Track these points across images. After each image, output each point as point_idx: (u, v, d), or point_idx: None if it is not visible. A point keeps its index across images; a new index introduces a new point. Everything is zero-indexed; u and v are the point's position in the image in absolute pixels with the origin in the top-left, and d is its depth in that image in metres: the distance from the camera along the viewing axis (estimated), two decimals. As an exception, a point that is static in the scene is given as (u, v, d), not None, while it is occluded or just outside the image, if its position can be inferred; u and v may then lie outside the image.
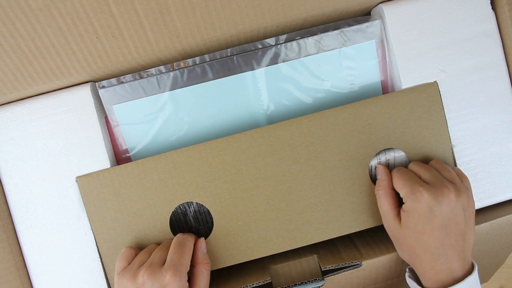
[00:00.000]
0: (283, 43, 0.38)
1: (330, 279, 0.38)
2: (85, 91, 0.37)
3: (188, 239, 0.35)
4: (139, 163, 0.36)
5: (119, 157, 0.39)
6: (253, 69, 0.38)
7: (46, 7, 0.30)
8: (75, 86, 0.37)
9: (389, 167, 0.38)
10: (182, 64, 0.38)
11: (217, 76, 0.38)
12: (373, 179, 0.38)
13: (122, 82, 0.38)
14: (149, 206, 0.36)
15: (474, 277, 0.32)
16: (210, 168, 0.36)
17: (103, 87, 0.38)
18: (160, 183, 0.36)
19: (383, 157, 0.38)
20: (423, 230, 0.32)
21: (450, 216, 0.32)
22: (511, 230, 0.40)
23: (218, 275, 0.40)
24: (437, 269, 0.32)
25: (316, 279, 0.37)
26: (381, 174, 0.36)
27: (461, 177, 0.35)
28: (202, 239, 0.36)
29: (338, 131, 0.36)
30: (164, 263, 0.32)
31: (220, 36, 0.35)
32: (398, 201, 0.35)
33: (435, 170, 0.34)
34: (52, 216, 0.37)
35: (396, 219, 0.34)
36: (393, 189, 0.35)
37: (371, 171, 0.38)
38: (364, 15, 0.40)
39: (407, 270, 0.36)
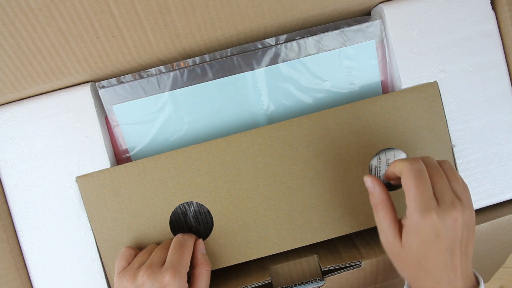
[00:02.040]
0: (283, 43, 0.38)
1: (330, 279, 0.38)
2: (85, 91, 0.37)
3: (188, 240, 0.35)
4: (139, 163, 0.36)
5: (119, 157, 0.39)
6: (253, 69, 0.38)
7: (46, 7, 0.30)
8: (75, 86, 0.37)
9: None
10: (182, 64, 0.38)
11: (217, 76, 0.38)
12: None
13: (122, 82, 0.38)
14: (149, 206, 0.36)
15: None
16: (210, 168, 0.36)
17: (103, 87, 0.38)
18: (160, 183, 0.36)
19: (383, 157, 0.38)
20: (426, 253, 0.29)
21: (456, 238, 0.29)
22: (511, 230, 0.40)
23: (218, 275, 0.40)
24: None
25: (316, 279, 0.37)
26: (375, 187, 0.32)
27: (464, 186, 0.32)
28: (200, 240, 0.36)
29: (338, 131, 0.36)
30: (163, 264, 0.32)
31: (220, 36, 0.35)
32: (397, 213, 0.32)
33: (447, 181, 0.31)
34: (52, 216, 0.37)
35: (397, 237, 0.31)
36: (392, 201, 0.32)
37: (371, 171, 0.38)
38: (364, 15, 0.40)
39: (405, 284, 0.34)
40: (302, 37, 0.38)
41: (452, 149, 0.38)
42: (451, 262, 0.29)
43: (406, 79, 0.38)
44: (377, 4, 0.38)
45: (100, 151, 0.37)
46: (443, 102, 0.38)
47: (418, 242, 0.29)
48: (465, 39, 0.38)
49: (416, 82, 0.38)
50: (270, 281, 0.37)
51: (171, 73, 0.38)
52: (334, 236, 0.37)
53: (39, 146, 0.37)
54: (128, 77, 0.38)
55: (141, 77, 0.38)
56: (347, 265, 0.37)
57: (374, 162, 0.38)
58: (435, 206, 0.29)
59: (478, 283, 0.31)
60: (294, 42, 0.38)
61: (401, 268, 0.32)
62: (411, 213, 0.29)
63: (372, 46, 0.39)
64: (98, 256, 0.37)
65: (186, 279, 0.32)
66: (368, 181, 0.33)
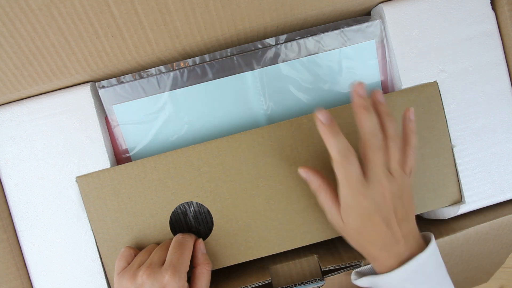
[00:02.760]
0: (283, 43, 0.38)
1: (330, 279, 0.38)
2: (85, 91, 0.37)
3: (188, 239, 0.35)
4: (139, 163, 0.36)
5: (119, 157, 0.39)
6: (253, 69, 0.38)
7: (46, 7, 0.30)
8: (75, 86, 0.37)
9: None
10: (182, 64, 0.38)
11: (217, 76, 0.38)
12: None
13: (122, 82, 0.38)
14: (149, 206, 0.36)
15: (425, 255, 0.31)
16: (210, 168, 0.36)
17: (103, 87, 0.38)
18: (160, 183, 0.36)
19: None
20: (364, 226, 0.32)
21: (388, 210, 0.32)
22: (511, 230, 0.40)
23: (218, 275, 0.40)
24: (384, 256, 0.32)
25: (316, 279, 0.37)
26: (310, 175, 0.34)
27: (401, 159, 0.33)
28: (200, 240, 0.36)
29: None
30: (163, 263, 0.32)
31: (220, 36, 0.35)
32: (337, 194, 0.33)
33: (383, 158, 0.32)
34: (52, 216, 0.37)
35: (339, 215, 0.33)
36: (330, 183, 0.34)
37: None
38: (364, 15, 0.40)
39: (352, 273, 0.37)
40: (302, 37, 0.38)
41: (452, 149, 0.38)
42: (390, 231, 0.32)
43: (406, 79, 0.38)
44: (377, 4, 0.38)
45: (100, 151, 0.37)
46: (443, 102, 0.38)
47: (354, 217, 0.32)
48: (465, 39, 0.38)
49: (416, 82, 0.38)
50: (270, 281, 0.37)
51: (171, 73, 0.38)
52: (334, 236, 0.37)
53: (39, 146, 0.37)
54: (128, 77, 0.38)
55: (141, 77, 0.38)
56: (347, 265, 0.37)
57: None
58: (361, 186, 0.31)
59: (426, 243, 0.33)
60: (294, 42, 0.38)
61: (350, 240, 0.35)
62: (341, 194, 0.32)
63: (372, 46, 0.39)
64: (98, 256, 0.37)
65: (186, 278, 0.32)
66: (303, 172, 0.35)
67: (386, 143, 0.32)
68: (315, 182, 0.34)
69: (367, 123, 0.31)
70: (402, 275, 0.31)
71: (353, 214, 0.32)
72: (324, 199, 0.34)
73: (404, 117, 0.34)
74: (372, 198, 0.31)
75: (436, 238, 0.37)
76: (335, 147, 0.31)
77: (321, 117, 0.31)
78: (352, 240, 0.34)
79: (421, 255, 0.31)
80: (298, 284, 0.37)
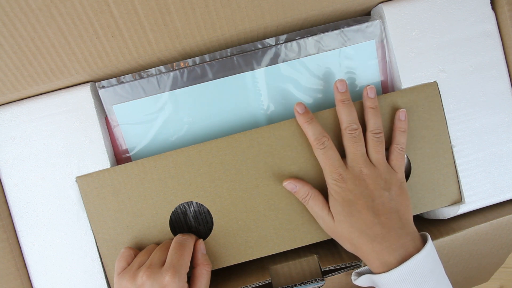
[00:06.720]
0: (283, 43, 0.38)
1: (330, 279, 0.38)
2: (85, 91, 0.37)
3: (188, 240, 0.35)
4: (139, 163, 0.36)
5: (119, 157, 0.39)
6: (253, 69, 0.38)
7: (46, 7, 0.30)
8: (75, 86, 0.37)
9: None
10: (182, 64, 0.38)
11: (217, 76, 0.38)
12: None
13: (122, 82, 0.38)
14: (149, 206, 0.36)
15: (421, 255, 0.31)
16: (210, 168, 0.36)
17: (103, 87, 0.38)
18: (160, 183, 0.36)
19: (383, 157, 0.38)
20: (351, 212, 0.33)
21: (372, 197, 0.33)
22: (511, 230, 0.40)
23: (218, 275, 0.40)
24: (376, 250, 0.32)
25: (316, 279, 0.37)
26: (297, 185, 0.35)
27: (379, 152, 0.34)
28: (201, 240, 0.36)
29: (338, 131, 0.36)
30: (163, 264, 0.32)
31: (220, 36, 0.35)
32: (325, 198, 0.35)
33: (360, 147, 0.34)
34: (52, 216, 0.37)
35: (329, 214, 0.34)
36: (315, 189, 0.35)
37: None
38: (364, 15, 0.40)
39: (352, 274, 0.37)
40: (302, 37, 0.38)
41: (452, 149, 0.38)
42: (378, 220, 0.32)
43: (406, 79, 0.38)
44: (377, 4, 0.38)
45: (100, 151, 0.37)
46: (443, 102, 0.38)
47: (340, 203, 0.33)
48: (465, 39, 0.38)
49: (416, 82, 0.38)
50: (270, 281, 0.37)
51: (171, 73, 0.38)
52: (334, 236, 0.37)
53: (39, 146, 0.37)
54: (128, 77, 0.38)
55: (141, 77, 0.38)
56: (347, 265, 0.37)
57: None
58: (343, 170, 0.34)
59: (424, 243, 0.33)
60: (294, 42, 0.38)
61: (343, 240, 0.35)
62: (327, 181, 0.35)
63: (372, 46, 0.39)
64: (98, 256, 0.37)
65: (186, 279, 0.32)
66: (288, 184, 0.36)
67: (366, 135, 0.35)
68: (302, 191, 0.35)
69: (344, 116, 0.35)
70: (398, 276, 0.31)
71: (339, 200, 0.33)
72: (314, 203, 0.35)
73: (394, 117, 0.36)
74: (352, 182, 0.33)
75: (436, 238, 0.37)
76: (311, 132, 0.35)
77: (297, 108, 0.35)
78: (346, 239, 0.34)
79: (416, 256, 0.31)
80: (298, 284, 0.37)
